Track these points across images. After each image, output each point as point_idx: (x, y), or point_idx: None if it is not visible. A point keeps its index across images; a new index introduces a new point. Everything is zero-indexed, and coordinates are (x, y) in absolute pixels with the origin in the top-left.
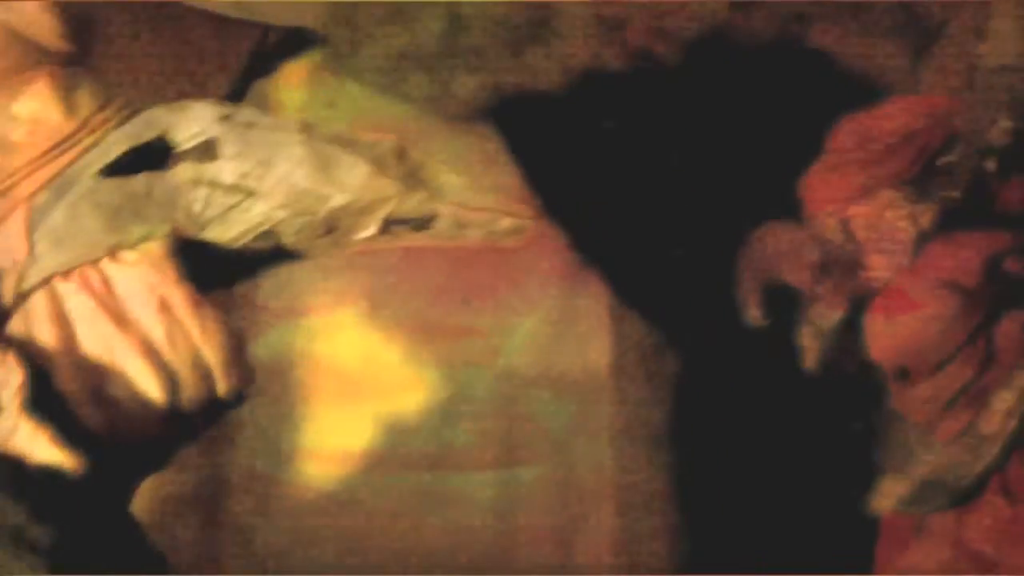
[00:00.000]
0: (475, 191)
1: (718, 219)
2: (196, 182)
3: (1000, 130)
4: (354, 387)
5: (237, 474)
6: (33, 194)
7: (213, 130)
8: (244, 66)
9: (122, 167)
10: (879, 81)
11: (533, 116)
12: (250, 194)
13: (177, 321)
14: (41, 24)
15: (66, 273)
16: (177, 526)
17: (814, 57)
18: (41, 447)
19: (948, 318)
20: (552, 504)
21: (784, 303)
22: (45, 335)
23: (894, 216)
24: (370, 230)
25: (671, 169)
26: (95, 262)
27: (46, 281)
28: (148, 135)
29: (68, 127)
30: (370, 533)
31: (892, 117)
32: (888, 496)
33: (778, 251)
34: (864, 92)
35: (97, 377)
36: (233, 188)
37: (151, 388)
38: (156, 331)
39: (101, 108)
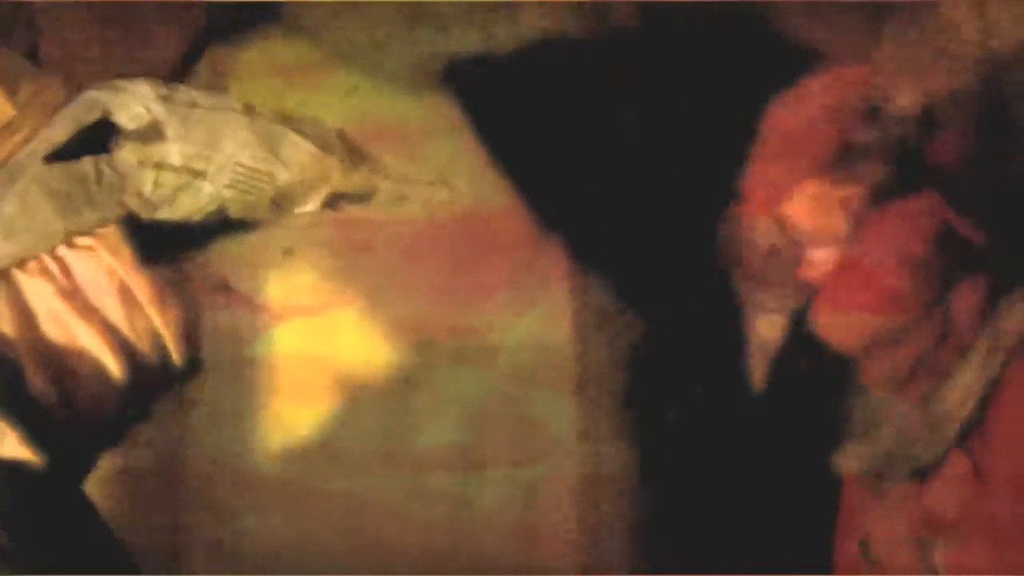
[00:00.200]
0: (413, 167)
1: (682, 187)
2: (143, 164)
3: (907, 97)
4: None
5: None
6: None
7: (156, 110)
8: (190, 49)
9: (68, 151)
10: (837, 51)
11: (492, 83)
12: (198, 175)
13: (137, 305)
14: None
15: (23, 263)
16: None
17: (774, 24)
18: (9, 446)
19: (902, 294)
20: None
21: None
22: (6, 326)
23: (825, 205)
24: (314, 204)
25: (633, 135)
26: (52, 250)
27: (4, 271)
28: (90, 117)
29: (9, 112)
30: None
31: (809, 97)
32: (854, 458)
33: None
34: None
35: (57, 358)
36: (181, 170)
37: (110, 364)
38: (116, 315)
39: (40, 91)
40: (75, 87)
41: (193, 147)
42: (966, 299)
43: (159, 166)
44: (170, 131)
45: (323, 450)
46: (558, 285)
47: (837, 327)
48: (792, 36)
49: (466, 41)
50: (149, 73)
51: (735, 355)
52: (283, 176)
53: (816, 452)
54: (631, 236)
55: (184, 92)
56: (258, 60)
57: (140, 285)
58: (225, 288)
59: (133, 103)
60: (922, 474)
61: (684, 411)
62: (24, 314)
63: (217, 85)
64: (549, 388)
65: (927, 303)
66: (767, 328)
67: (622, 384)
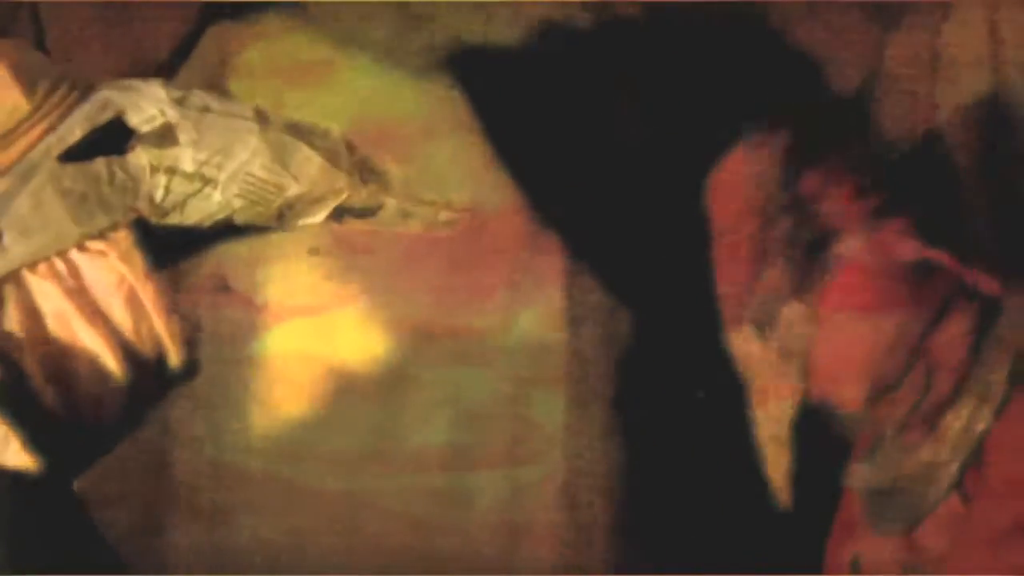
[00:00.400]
0: (417, 184)
1: (678, 178)
2: (155, 168)
3: None
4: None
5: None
6: None
7: (169, 114)
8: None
9: (82, 151)
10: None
11: (494, 71)
12: (208, 182)
13: (144, 311)
14: None
15: (34, 263)
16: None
17: (778, 22)
18: (11, 453)
19: (889, 341)
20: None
21: None
22: (13, 326)
23: (785, 292)
24: (319, 217)
25: (631, 128)
26: (63, 252)
27: (15, 272)
28: (104, 117)
29: (26, 107)
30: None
31: (729, 175)
32: (859, 477)
33: None
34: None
35: (59, 359)
36: (192, 176)
37: (112, 366)
38: (122, 320)
39: (55, 87)
40: (90, 85)
41: (205, 153)
42: (949, 341)
43: (171, 171)
44: (183, 136)
45: (321, 450)
46: (553, 284)
47: (837, 384)
48: (790, 37)
49: (468, 36)
50: (150, 60)
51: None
52: (293, 189)
53: (811, 457)
54: (627, 233)
55: (197, 96)
56: (258, 60)
57: (148, 292)
58: (225, 288)
59: (146, 105)
60: (914, 525)
61: (676, 413)
62: (31, 315)
63: (223, 67)
64: (545, 388)
65: (912, 347)
66: (780, 413)
67: (614, 383)
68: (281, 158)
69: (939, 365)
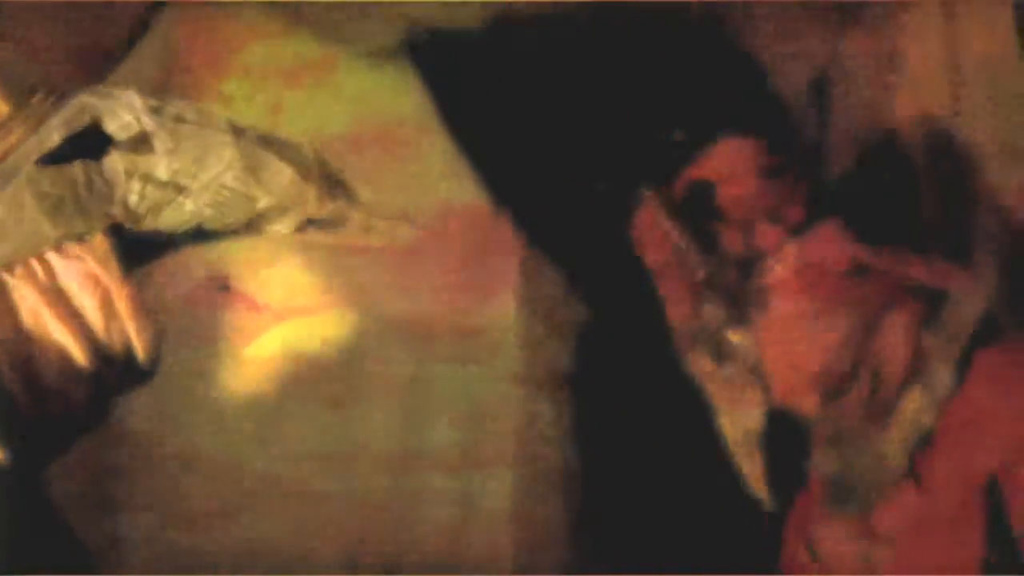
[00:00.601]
0: (380, 199)
1: (629, 167)
2: (130, 174)
3: None
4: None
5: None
6: None
7: (145, 122)
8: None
9: (60, 155)
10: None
11: (450, 54)
12: (181, 191)
13: (116, 314)
14: None
15: (11, 264)
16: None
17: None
18: None
19: (836, 342)
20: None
21: None
22: None
23: (725, 323)
24: (287, 227)
25: (585, 113)
26: (40, 254)
27: None
28: (81, 122)
29: (5, 110)
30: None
31: (641, 228)
32: (817, 467)
33: None
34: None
35: (30, 352)
36: (166, 185)
37: (80, 361)
38: (95, 320)
39: (34, 91)
40: (68, 90)
41: (180, 162)
42: (892, 339)
43: (146, 178)
44: (159, 144)
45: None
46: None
47: (793, 394)
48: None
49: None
50: (99, 47)
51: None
52: (263, 200)
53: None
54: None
55: (172, 106)
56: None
57: (122, 296)
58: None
59: (123, 112)
60: (868, 510)
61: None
62: (5, 312)
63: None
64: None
65: (857, 349)
66: (747, 422)
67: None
68: (253, 170)
69: (885, 362)
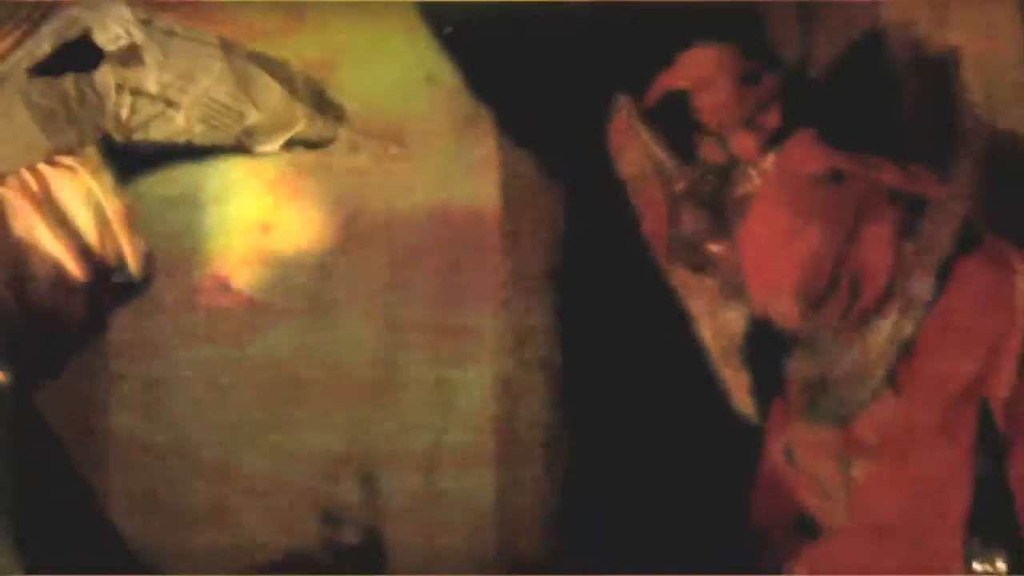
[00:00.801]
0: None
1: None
2: (120, 87)
3: None
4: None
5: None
6: None
7: (135, 35)
8: None
9: (50, 66)
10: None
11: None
12: (171, 104)
13: (108, 224)
14: None
15: (2, 176)
16: None
17: None
18: None
19: (814, 251)
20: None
21: None
22: None
23: (703, 233)
24: (275, 145)
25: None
26: (32, 165)
27: None
28: (72, 33)
29: None
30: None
31: (617, 135)
32: (793, 370)
33: None
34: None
35: (21, 263)
36: (156, 99)
37: (73, 271)
38: (88, 230)
39: (21, 2)
40: (56, 1)
41: (170, 75)
42: (871, 247)
43: (136, 92)
44: (148, 57)
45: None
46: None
47: (774, 304)
48: None
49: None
50: None
51: None
52: (252, 116)
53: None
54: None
55: (162, 20)
56: None
57: (114, 207)
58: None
59: (113, 24)
60: (846, 420)
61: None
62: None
63: None
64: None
65: (835, 257)
66: (728, 332)
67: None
68: (243, 85)
69: (864, 271)
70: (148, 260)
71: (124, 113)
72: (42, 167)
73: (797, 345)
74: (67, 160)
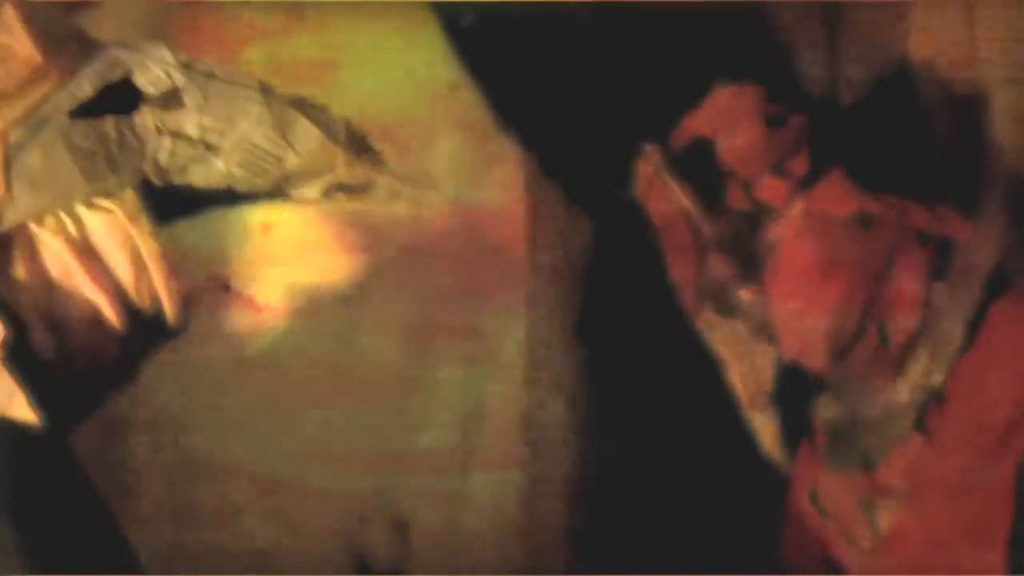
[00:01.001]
0: (409, 166)
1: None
2: (161, 130)
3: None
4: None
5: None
6: (6, 131)
7: (176, 77)
8: None
9: (92, 108)
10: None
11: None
12: (211, 148)
13: (145, 269)
14: None
15: (41, 217)
16: None
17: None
18: (17, 408)
19: (843, 295)
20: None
21: None
22: (18, 276)
23: (733, 279)
24: (313, 192)
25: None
26: (71, 207)
27: (22, 224)
28: (113, 75)
29: (37, 60)
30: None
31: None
32: (822, 411)
33: None
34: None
35: (59, 309)
36: (196, 142)
37: (110, 317)
38: (124, 275)
39: (66, 42)
40: (98, 42)
41: (210, 119)
42: (901, 290)
43: (176, 135)
44: (189, 100)
45: (322, 450)
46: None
47: (803, 348)
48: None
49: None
50: None
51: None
52: (291, 161)
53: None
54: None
55: (202, 62)
56: (258, 60)
57: (152, 252)
58: (225, 288)
59: (154, 66)
60: (873, 465)
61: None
62: (35, 266)
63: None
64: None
65: (865, 300)
66: (761, 368)
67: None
68: (282, 129)
69: (894, 314)
70: (184, 305)
71: (163, 157)
72: (79, 209)
73: (825, 389)
74: (104, 203)
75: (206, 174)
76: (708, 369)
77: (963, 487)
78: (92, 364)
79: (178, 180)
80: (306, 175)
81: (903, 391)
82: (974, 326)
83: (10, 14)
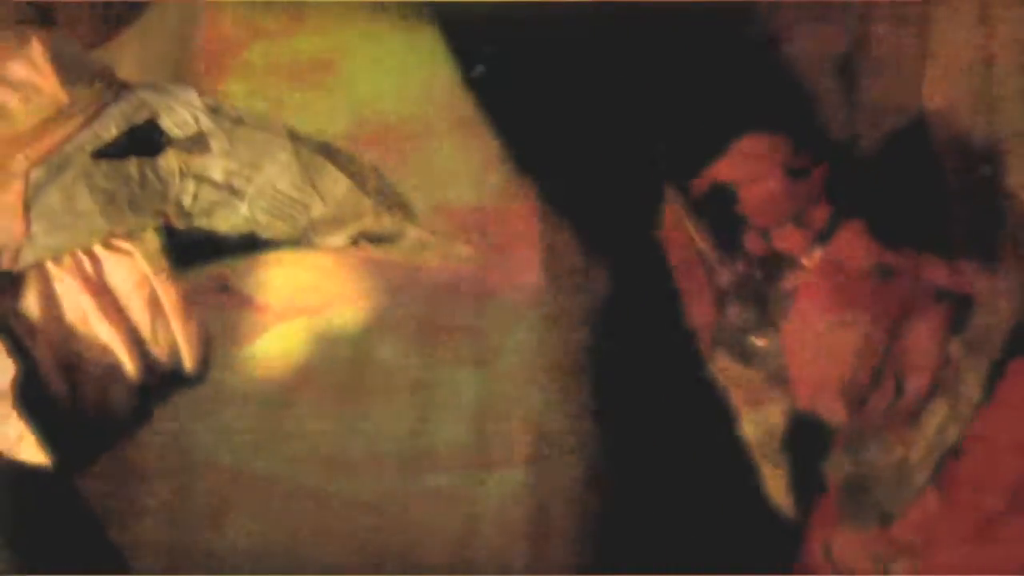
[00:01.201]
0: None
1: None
2: (184, 173)
3: None
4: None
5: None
6: (29, 169)
7: (203, 122)
8: None
9: (115, 149)
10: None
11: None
12: (235, 193)
13: (162, 313)
14: None
15: (59, 256)
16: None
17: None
18: (26, 448)
19: (858, 346)
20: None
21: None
22: (31, 314)
23: (749, 326)
24: (340, 240)
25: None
26: (89, 248)
27: (40, 262)
28: (139, 117)
29: (62, 98)
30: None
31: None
32: (835, 468)
33: None
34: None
35: (73, 352)
36: (221, 187)
37: (125, 362)
38: (141, 319)
39: (92, 82)
40: (125, 83)
41: (236, 164)
42: (917, 343)
43: (200, 179)
44: (215, 144)
45: (323, 451)
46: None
47: (818, 398)
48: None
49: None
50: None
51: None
52: (318, 209)
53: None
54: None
55: (229, 107)
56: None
57: (170, 295)
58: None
59: (181, 109)
60: (888, 521)
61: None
62: (50, 305)
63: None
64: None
65: (880, 352)
66: (769, 426)
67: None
68: (309, 176)
69: (910, 368)
70: (203, 352)
71: (187, 200)
72: (97, 249)
73: (838, 442)
74: (123, 244)
75: (230, 219)
76: (720, 413)
77: (978, 543)
78: (104, 410)
79: (201, 224)
80: (333, 223)
81: (918, 445)
82: (992, 381)
83: (37, 50)
